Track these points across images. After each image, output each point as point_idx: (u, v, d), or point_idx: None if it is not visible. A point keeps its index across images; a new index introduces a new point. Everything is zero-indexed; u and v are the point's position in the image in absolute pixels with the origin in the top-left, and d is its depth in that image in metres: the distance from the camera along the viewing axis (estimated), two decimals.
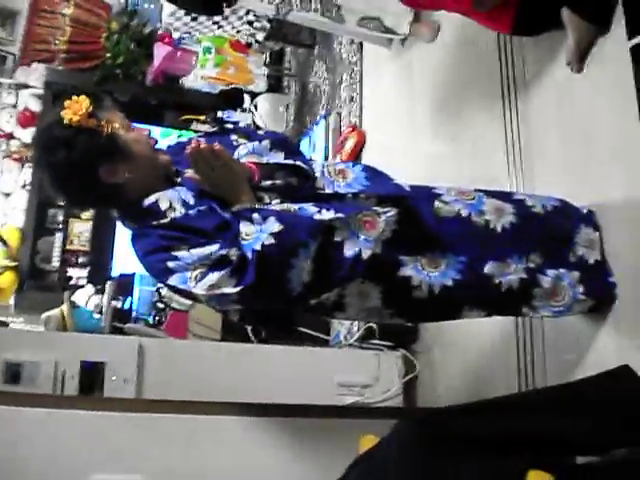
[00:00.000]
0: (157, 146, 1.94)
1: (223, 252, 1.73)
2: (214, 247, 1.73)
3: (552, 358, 2.49)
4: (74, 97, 1.76)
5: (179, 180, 1.89)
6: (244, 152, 1.93)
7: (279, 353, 3.31)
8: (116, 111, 1.87)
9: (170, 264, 1.76)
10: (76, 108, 1.75)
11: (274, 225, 1.72)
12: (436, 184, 2.13)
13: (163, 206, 1.82)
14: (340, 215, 1.82)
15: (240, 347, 3.34)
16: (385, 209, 1.89)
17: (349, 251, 1.83)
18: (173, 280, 1.78)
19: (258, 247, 1.70)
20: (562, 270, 2.04)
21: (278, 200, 1.86)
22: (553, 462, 1.80)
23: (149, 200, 1.83)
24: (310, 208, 1.83)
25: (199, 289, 1.74)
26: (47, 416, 2.56)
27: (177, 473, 2.58)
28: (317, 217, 1.80)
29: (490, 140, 2.99)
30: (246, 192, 1.81)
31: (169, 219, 1.80)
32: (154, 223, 1.81)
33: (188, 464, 2.59)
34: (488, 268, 1.96)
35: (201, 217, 1.80)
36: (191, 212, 1.81)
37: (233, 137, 2.02)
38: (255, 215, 1.75)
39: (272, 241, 1.70)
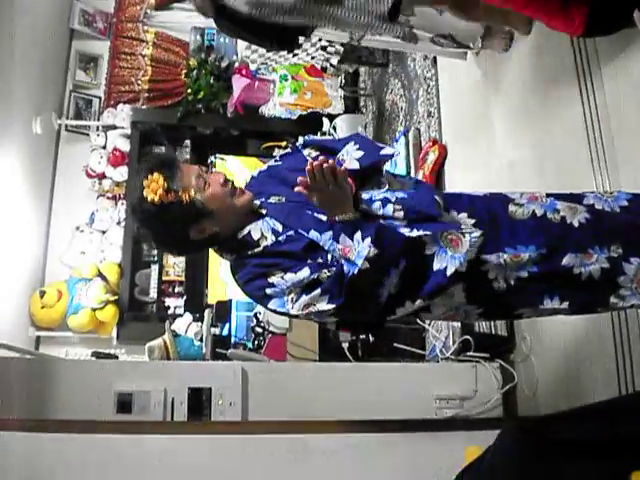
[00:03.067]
0: (238, 183, 2.05)
1: (314, 276, 1.88)
2: (306, 273, 1.89)
3: None
4: (150, 176, 1.91)
5: (264, 211, 2.02)
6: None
7: (376, 370, 3.35)
8: (189, 169, 1.99)
9: (268, 291, 1.94)
10: (154, 187, 1.90)
11: (369, 249, 1.82)
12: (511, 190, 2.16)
13: (255, 236, 1.98)
14: (428, 233, 1.91)
15: (338, 366, 3.40)
16: (470, 229, 1.95)
17: (437, 265, 1.93)
18: (272, 305, 1.96)
19: (355, 271, 1.82)
20: None
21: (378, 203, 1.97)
22: None
23: (242, 233, 1.99)
24: (401, 226, 1.93)
25: (296, 310, 1.91)
26: (167, 442, 2.69)
27: None
28: (407, 234, 1.89)
29: (572, 144, 2.98)
30: (351, 210, 1.91)
31: (262, 247, 1.97)
32: (249, 253, 1.98)
33: None
34: (567, 259, 1.98)
35: (290, 242, 1.95)
36: (280, 238, 1.96)
37: (306, 152, 2.15)
38: (357, 234, 1.85)
39: (367, 265, 1.81)
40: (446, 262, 1.93)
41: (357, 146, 2.04)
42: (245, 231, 1.99)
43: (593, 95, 2.88)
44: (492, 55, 3.75)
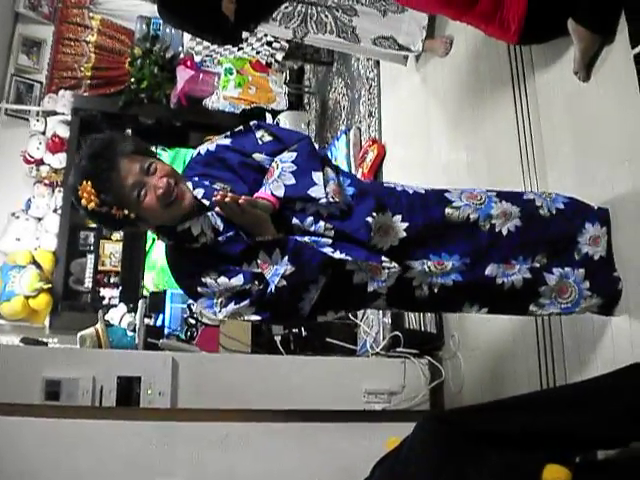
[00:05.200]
0: (181, 182, 1.93)
1: (246, 287, 1.90)
2: (239, 281, 1.90)
3: (571, 357, 2.55)
4: (83, 183, 1.81)
5: (207, 203, 1.96)
6: (271, 179, 1.96)
7: (307, 363, 3.39)
8: (127, 172, 1.85)
9: (199, 289, 1.95)
10: (87, 197, 1.81)
11: (286, 267, 1.85)
12: (450, 187, 2.21)
13: (195, 232, 1.94)
14: (349, 259, 1.92)
15: (269, 358, 3.44)
16: (389, 265, 1.96)
17: (357, 279, 1.97)
18: (201, 303, 1.99)
19: (272, 289, 1.85)
20: (567, 268, 2.12)
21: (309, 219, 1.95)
22: (571, 456, 1.87)
23: (182, 226, 1.94)
24: (326, 244, 1.93)
25: (222, 315, 1.95)
26: (88, 427, 2.69)
27: (211, 476, 2.69)
28: (329, 253, 1.90)
29: (504, 147, 3.07)
30: (269, 231, 1.91)
31: (200, 244, 1.94)
32: (187, 245, 1.96)
33: (221, 468, 2.69)
34: (490, 269, 2.05)
35: (229, 243, 1.93)
36: (220, 238, 1.94)
37: (259, 134, 2.08)
38: (275, 251, 1.87)
39: (284, 283, 1.85)
40: (366, 280, 1.98)
41: (295, 164, 1.97)
42: (185, 225, 1.94)
43: (526, 100, 2.96)
44: (432, 60, 3.83)
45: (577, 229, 2.17)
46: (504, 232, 2.08)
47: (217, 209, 1.91)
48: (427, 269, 2.01)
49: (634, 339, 2.20)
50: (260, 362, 3.37)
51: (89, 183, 1.81)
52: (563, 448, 1.89)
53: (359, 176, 4.38)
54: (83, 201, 1.82)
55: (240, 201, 1.82)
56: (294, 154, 2.00)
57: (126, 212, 1.85)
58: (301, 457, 2.76)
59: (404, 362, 3.41)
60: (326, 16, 3.52)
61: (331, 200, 1.93)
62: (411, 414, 3.13)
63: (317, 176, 1.96)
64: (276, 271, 1.86)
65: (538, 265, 2.10)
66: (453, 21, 3.37)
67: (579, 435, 1.91)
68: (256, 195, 1.92)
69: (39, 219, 6.08)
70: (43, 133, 6.21)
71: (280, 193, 1.92)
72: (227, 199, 1.81)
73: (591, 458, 2.08)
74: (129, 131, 6.33)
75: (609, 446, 2.02)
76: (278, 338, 3.67)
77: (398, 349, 3.47)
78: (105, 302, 5.81)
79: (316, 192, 1.93)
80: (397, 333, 3.48)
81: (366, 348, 3.67)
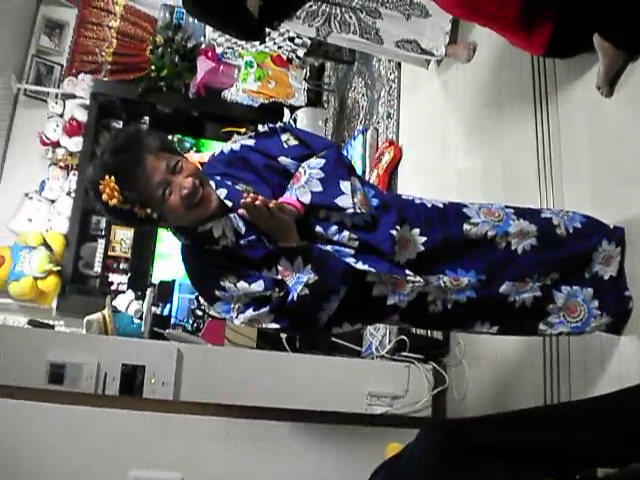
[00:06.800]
0: (205, 184, 1.89)
1: (267, 293, 1.87)
2: (259, 287, 1.87)
3: (577, 373, 2.54)
4: (106, 178, 1.77)
5: (230, 204, 1.91)
6: (297, 185, 1.93)
7: (312, 362, 3.39)
8: (153, 170, 1.81)
9: (217, 293, 1.91)
10: (109, 193, 1.76)
11: (310, 275, 1.83)
12: (468, 201, 2.20)
13: (216, 233, 1.90)
14: (372, 270, 1.91)
15: (274, 355, 3.42)
16: (414, 278, 1.96)
17: (377, 291, 1.97)
18: (217, 307, 1.94)
19: (295, 297, 1.82)
20: (575, 287, 2.11)
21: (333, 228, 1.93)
22: (572, 473, 1.86)
23: (203, 228, 1.91)
24: (349, 254, 1.91)
25: (239, 321, 1.91)
26: (90, 414, 2.70)
27: (213, 472, 2.70)
28: (352, 264, 1.88)
29: (521, 159, 3.05)
30: (293, 237, 1.87)
31: (221, 247, 1.91)
32: (207, 247, 1.92)
33: (220, 464, 2.70)
34: (504, 287, 2.04)
35: (250, 247, 1.90)
36: (241, 242, 1.90)
37: (284, 137, 2.04)
38: (298, 259, 1.84)
39: (306, 292, 1.83)
40: (387, 293, 1.97)
41: (322, 171, 1.93)
42: (207, 226, 1.90)
43: (547, 113, 2.94)
44: (454, 65, 3.81)
45: (593, 248, 2.16)
46: (519, 251, 2.07)
47: (240, 211, 1.86)
48: (443, 284, 2.00)
49: None
50: (265, 358, 3.36)
51: (112, 179, 1.76)
52: (564, 464, 1.88)
53: (374, 177, 4.38)
54: (104, 197, 1.77)
55: (270, 205, 1.79)
56: (322, 161, 1.96)
57: (148, 211, 1.81)
58: (301, 457, 2.78)
59: (408, 367, 3.40)
60: (350, 17, 3.52)
61: (358, 211, 1.90)
62: (413, 420, 3.13)
63: (345, 185, 1.93)
64: (299, 279, 1.83)
65: (549, 282, 2.09)
66: (477, 28, 3.37)
67: (581, 452, 1.90)
68: (281, 200, 1.89)
69: (52, 201, 6.10)
70: (61, 116, 6.22)
71: (306, 200, 1.89)
72: (257, 202, 1.78)
73: (591, 475, 2.07)
74: (146, 118, 6.35)
75: (610, 465, 2.01)
76: (284, 335, 3.67)
77: (403, 353, 3.46)
78: (113, 288, 5.83)
79: (343, 201, 1.90)
80: (403, 337, 3.47)
81: (371, 350, 3.66)
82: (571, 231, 2.15)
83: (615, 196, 2.42)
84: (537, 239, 2.10)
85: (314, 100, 6.05)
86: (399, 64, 4.57)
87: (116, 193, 1.76)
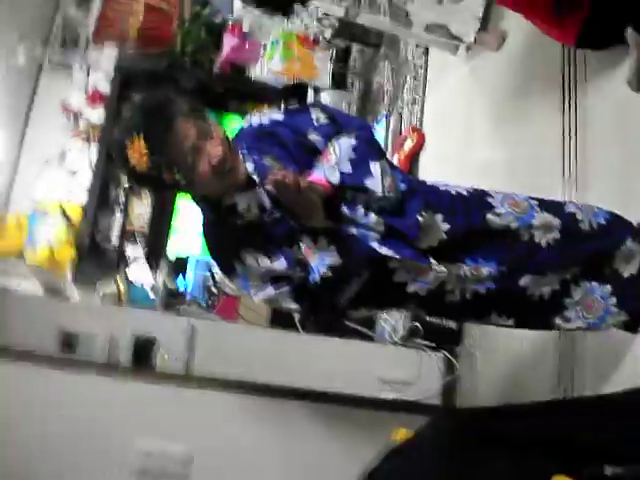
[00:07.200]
0: (235, 152, 1.87)
1: (289, 272, 1.85)
2: (282, 265, 1.85)
3: (591, 369, 2.52)
4: (135, 139, 1.72)
5: (256, 178, 1.89)
6: (326, 164, 1.88)
7: (324, 344, 3.38)
8: (186, 133, 1.76)
9: (238, 268, 1.89)
10: (137, 157, 1.72)
11: (333, 258, 1.80)
12: (492, 190, 2.16)
13: (240, 207, 1.88)
14: (397, 256, 1.88)
15: (287, 334, 3.41)
16: (438, 267, 1.93)
17: (398, 278, 1.94)
18: (236, 282, 1.92)
19: (317, 278, 1.80)
20: (594, 283, 2.08)
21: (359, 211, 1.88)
22: (579, 469, 1.85)
23: (227, 201, 1.88)
24: (374, 238, 1.88)
25: (258, 298, 1.89)
26: (100, 383, 2.71)
27: (219, 447, 2.71)
28: (376, 248, 1.86)
29: (546, 150, 3.02)
30: (319, 217, 1.82)
31: (244, 222, 1.88)
32: (230, 221, 1.89)
33: (226, 440, 2.71)
34: (525, 280, 2.01)
35: (274, 224, 1.88)
36: (266, 218, 1.88)
37: (314, 115, 1.99)
38: (321, 239, 1.81)
39: (329, 274, 1.80)
40: (408, 280, 1.94)
41: (353, 151, 1.88)
42: (230, 200, 1.88)
43: (575, 106, 2.91)
44: (483, 53, 3.77)
45: (616, 245, 2.12)
46: (543, 244, 2.04)
47: (268, 186, 1.81)
48: (463, 274, 1.97)
49: None
50: (277, 337, 3.36)
51: (142, 142, 1.71)
52: (573, 459, 1.86)
53: (395, 163, 4.35)
54: (132, 160, 1.72)
55: (302, 183, 1.74)
56: (354, 141, 1.91)
57: (177, 177, 1.77)
58: (307, 437, 2.78)
59: (420, 354, 3.39)
60: None
61: (387, 194, 1.86)
62: (422, 407, 3.11)
63: (375, 167, 1.88)
64: (323, 260, 1.80)
65: (569, 277, 2.06)
66: (508, 16, 3.33)
67: (589, 449, 1.89)
68: (309, 178, 1.83)
69: (73, 172, 6.10)
70: (85, 86, 6.19)
71: (335, 180, 1.84)
72: (287, 179, 1.72)
73: (599, 472, 2.05)
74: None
75: (619, 463, 1.99)
76: (297, 315, 3.66)
77: (416, 340, 3.45)
78: (129, 261, 5.83)
79: (372, 184, 1.85)
80: (416, 324, 3.46)
81: (384, 335, 3.65)
82: (595, 227, 2.11)
83: (639, 192, 2.39)
84: (560, 233, 2.06)
85: (338, 82, 6.00)
86: (427, 49, 4.53)
87: (144, 157, 1.71)
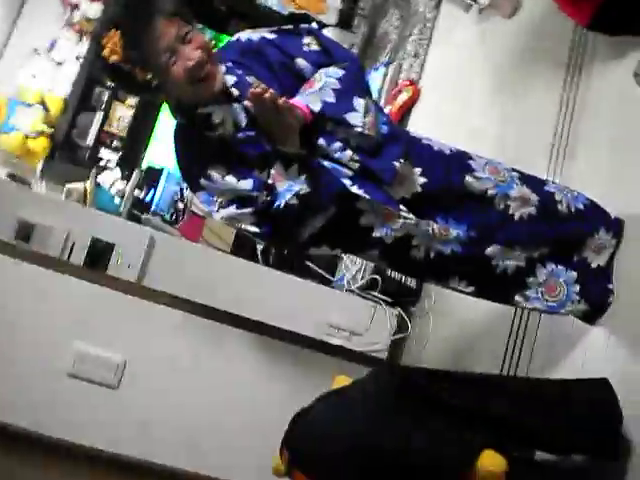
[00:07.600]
0: (213, 59, 1.80)
1: (254, 194, 1.79)
2: (247, 185, 1.80)
3: (539, 352, 2.52)
4: (112, 30, 1.70)
5: (236, 93, 1.84)
6: (309, 90, 1.83)
7: (281, 279, 3.37)
8: (163, 33, 1.71)
9: (202, 181, 1.83)
10: (112, 47, 1.70)
11: (302, 186, 1.76)
12: (475, 154, 2.12)
13: (215, 120, 1.82)
14: (367, 197, 1.84)
15: (246, 264, 3.40)
16: (407, 214, 1.90)
17: (364, 220, 1.91)
18: (199, 196, 1.87)
19: (282, 204, 1.75)
20: (560, 267, 2.07)
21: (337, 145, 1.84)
22: (511, 448, 1.85)
23: (202, 110, 1.83)
24: (346, 175, 1.83)
25: (219, 215, 1.84)
26: (49, 277, 2.67)
27: (156, 361, 2.70)
28: (347, 185, 1.82)
29: (539, 128, 2.97)
30: (294, 143, 1.77)
31: (217, 135, 1.83)
32: (202, 132, 1.84)
33: (163, 355, 2.70)
34: (491, 249, 1.99)
35: (246, 143, 1.82)
36: (240, 135, 1.83)
37: (306, 40, 1.95)
38: (293, 166, 1.77)
39: (295, 202, 1.75)
40: (375, 224, 1.91)
41: (339, 82, 1.84)
42: (206, 110, 1.82)
43: (576, 89, 2.85)
44: (495, 18, 3.68)
45: (589, 233, 2.11)
46: (516, 217, 2.01)
47: (246, 102, 1.78)
48: (430, 231, 1.94)
49: (608, 355, 2.15)
50: (236, 265, 3.35)
51: (118, 33, 1.68)
52: (505, 437, 1.86)
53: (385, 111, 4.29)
54: (105, 51, 1.70)
55: (280, 102, 1.68)
56: (341, 72, 1.87)
57: (149, 76, 1.74)
58: (246, 367, 2.79)
59: (375, 307, 3.39)
60: None
61: (366, 132, 1.82)
62: (367, 358, 3.12)
63: (358, 102, 1.84)
64: (290, 187, 1.76)
65: (536, 256, 2.04)
66: None
67: (524, 430, 1.89)
68: (291, 102, 1.76)
69: (59, 63, 5.95)
70: None
71: (316, 108, 1.79)
72: (267, 95, 1.66)
73: (529, 456, 2.06)
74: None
75: (550, 450, 2.00)
76: (260, 247, 3.64)
77: (373, 292, 3.44)
78: (102, 163, 5.73)
79: (353, 118, 1.81)
80: (376, 277, 3.45)
81: (342, 282, 3.65)
82: (572, 210, 2.09)
83: (625, 187, 2.35)
84: (536, 209, 2.04)
85: (344, 22, 5.88)
86: (439, 2, 4.43)
87: (118, 49, 1.69)
